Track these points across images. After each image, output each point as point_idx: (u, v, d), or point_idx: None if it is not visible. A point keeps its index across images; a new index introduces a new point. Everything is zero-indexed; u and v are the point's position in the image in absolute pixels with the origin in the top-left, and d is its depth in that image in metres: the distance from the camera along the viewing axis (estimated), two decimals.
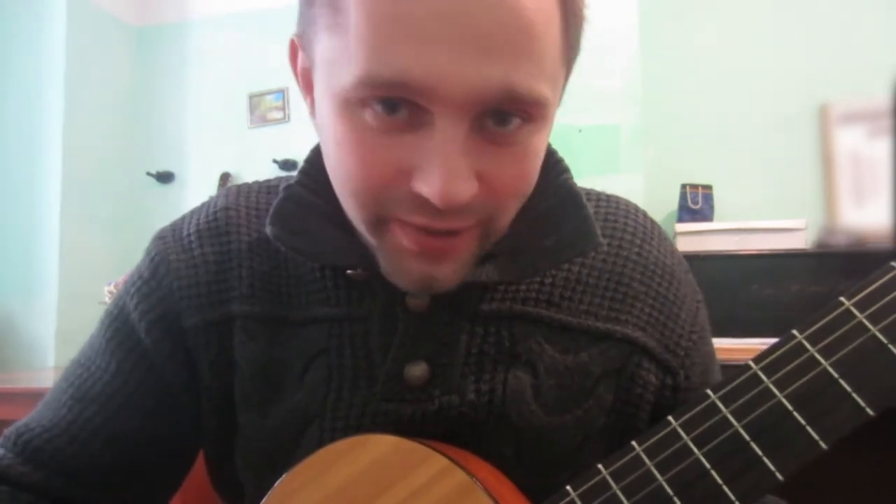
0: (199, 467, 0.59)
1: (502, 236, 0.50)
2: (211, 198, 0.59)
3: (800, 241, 1.93)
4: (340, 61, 0.38)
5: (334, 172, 0.43)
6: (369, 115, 0.38)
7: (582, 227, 0.48)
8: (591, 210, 0.49)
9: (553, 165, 0.51)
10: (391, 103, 0.37)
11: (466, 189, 0.38)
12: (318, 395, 0.49)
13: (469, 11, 0.34)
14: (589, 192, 0.57)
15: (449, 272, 0.43)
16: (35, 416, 0.55)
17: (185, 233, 0.56)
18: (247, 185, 0.59)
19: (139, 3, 2.65)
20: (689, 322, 0.55)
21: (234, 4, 2.56)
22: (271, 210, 0.49)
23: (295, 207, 0.49)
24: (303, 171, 0.52)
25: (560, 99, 0.45)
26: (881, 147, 2.06)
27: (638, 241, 0.55)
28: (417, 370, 0.47)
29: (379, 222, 0.42)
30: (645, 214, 0.59)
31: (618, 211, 0.56)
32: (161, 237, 0.57)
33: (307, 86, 0.46)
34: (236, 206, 0.56)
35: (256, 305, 0.52)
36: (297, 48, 0.46)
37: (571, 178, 0.52)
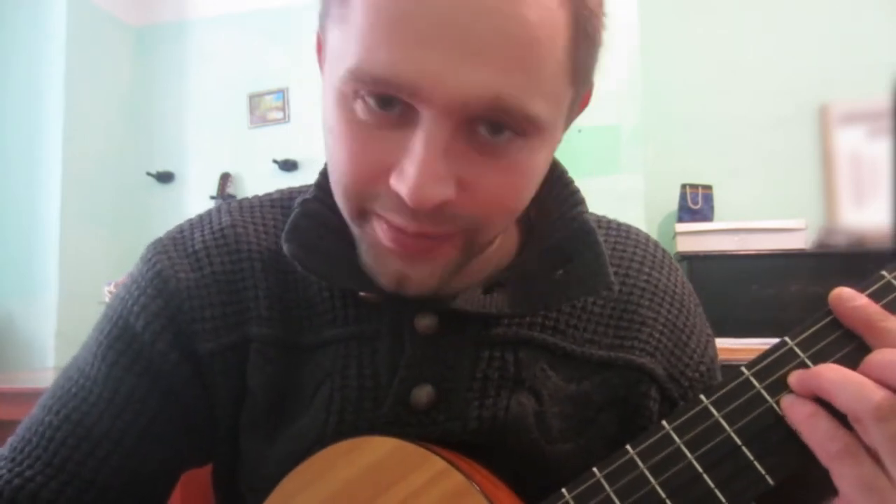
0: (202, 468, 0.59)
1: (511, 265, 0.49)
2: (208, 212, 0.55)
3: (800, 241, 1.93)
4: (341, 54, 0.38)
5: (328, 163, 0.43)
6: (361, 108, 0.38)
7: (593, 264, 0.47)
8: (601, 239, 0.48)
9: (567, 197, 0.50)
10: (385, 98, 0.37)
11: (439, 191, 0.37)
12: (321, 419, 0.48)
13: (464, 16, 0.34)
14: (600, 220, 0.56)
15: (425, 275, 0.42)
16: (18, 459, 0.49)
17: (190, 248, 0.52)
18: (247, 199, 0.56)
19: (139, 3, 2.65)
20: (699, 353, 0.53)
21: (234, 4, 2.56)
22: (287, 225, 0.47)
23: (310, 223, 0.48)
24: (319, 185, 0.50)
25: (568, 120, 0.44)
26: (881, 147, 2.06)
27: (646, 269, 0.54)
28: (423, 394, 0.46)
29: (361, 216, 0.42)
30: (656, 244, 0.57)
31: (627, 240, 0.55)
32: (162, 251, 0.52)
33: None
34: (243, 222, 0.53)
35: (275, 328, 0.49)
36: (321, 44, 0.45)
37: (586, 211, 0.50)
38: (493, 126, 0.38)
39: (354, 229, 0.44)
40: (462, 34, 0.34)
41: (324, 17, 0.42)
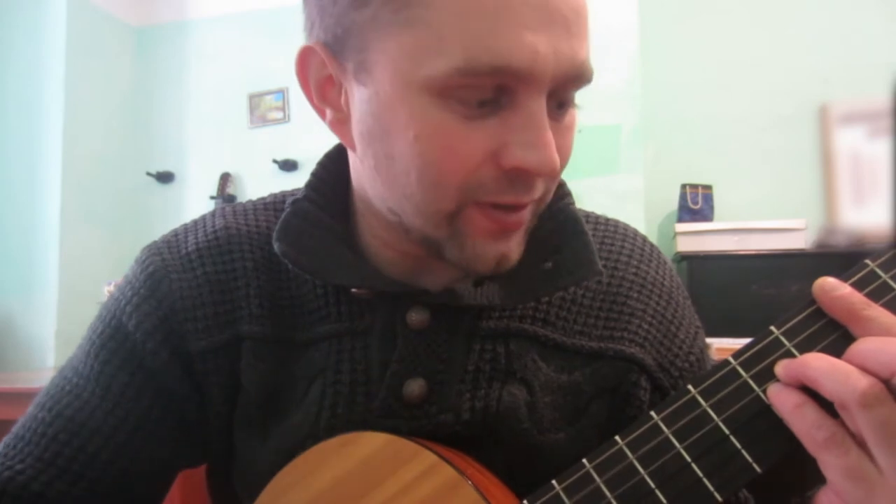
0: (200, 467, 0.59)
1: None
2: (203, 216, 0.57)
3: (800, 241, 1.93)
4: (424, 53, 0.38)
5: (406, 169, 0.41)
6: (454, 105, 0.39)
7: (581, 253, 0.48)
8: (590, 234, 0.49)
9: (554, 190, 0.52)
10: (481, 91, 0.38)
11: (557, 156, 0.40)
12: (313, 414, 0.48)
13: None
14: (588, 216, 0.57)
15: (516, 247, 0.45)
16: (10, 454, 0.50)
17: (183, 251, 0.53)
18: (241, 204, 0.57)
19: (139, 3, 2.65)
20: (688, 344, 0.54)
21: (234, 4, 2.56)
22: (278, 225, 0.48)
23: (302, 223, 0.49)
24: (310, 186, 0.51)
25: None
26: (881, 147, 2.06)
27: (635, 262, 0.55)
28: (416, 387, 0.47)
29: (456, 212, 0.42)
30: (644, 238, 0.59)
31: (615, 234, 0.57)
32: (157, 252, 0.53)
33: (323, 95, 0.46)
34: (236, 225, 0.54)
35: (266, 326, 0.50)
36: (311, 57, 0.45)
37: (573, 202, 0.52)
38: (563, 93, 0.41)
39: (442, 231, 0.43)
40: (557, 15, 0.38)
41: (346, 28, 0.41)
